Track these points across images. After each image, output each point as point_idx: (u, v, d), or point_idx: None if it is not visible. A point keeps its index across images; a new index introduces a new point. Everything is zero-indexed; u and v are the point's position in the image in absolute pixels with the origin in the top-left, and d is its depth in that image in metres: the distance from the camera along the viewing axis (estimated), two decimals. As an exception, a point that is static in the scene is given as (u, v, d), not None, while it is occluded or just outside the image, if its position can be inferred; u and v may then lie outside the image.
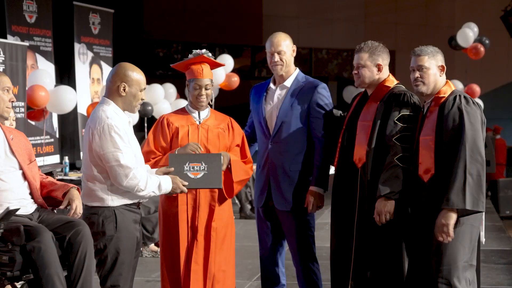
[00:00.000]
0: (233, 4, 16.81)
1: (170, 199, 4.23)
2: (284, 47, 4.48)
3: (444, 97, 4.03)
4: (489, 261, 6.82)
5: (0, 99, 3.81)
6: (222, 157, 4.16)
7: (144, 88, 3.93)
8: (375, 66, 4.35)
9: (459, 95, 3.99)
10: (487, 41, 12.17)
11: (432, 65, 4.07)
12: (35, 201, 3.93)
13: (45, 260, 3.55)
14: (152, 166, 4.15)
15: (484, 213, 4.23)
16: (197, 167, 4.08)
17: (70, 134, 10.07)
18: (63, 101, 7.99)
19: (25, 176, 3.89)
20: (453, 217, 3.83)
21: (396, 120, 4.20)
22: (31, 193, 3.91)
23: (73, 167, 9.11)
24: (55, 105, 7.99)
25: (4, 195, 3.78)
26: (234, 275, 4.39)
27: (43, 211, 3.92)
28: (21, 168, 3.88)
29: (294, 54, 4.56)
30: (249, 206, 9.26)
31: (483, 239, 3.92)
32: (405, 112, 4.21)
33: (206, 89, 4.26)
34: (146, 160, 4.16)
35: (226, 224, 4.31)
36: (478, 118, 3.93)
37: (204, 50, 4.32)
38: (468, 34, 11.98)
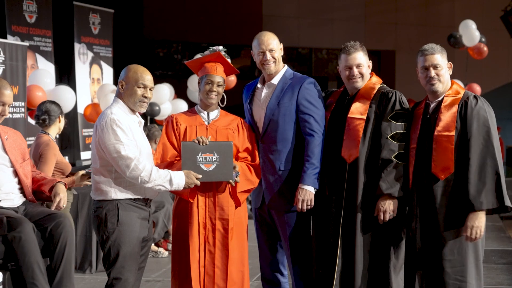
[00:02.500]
0: (233, 4, 16.81)
1: (183, 201, 4.20)
2: (274, 44, 4.43)
3: (458, 96, 4.01)
4: (489, 261, 6.83)
5: None
6: (232, 145, 4.15)
7: (145, 86, 3.97)
8: (367, 65, 4.37)
9: (475, 95, 4.02)
10: (483, 39, 12.16)
11: (444, 63, 4.06)
12: (26, 197, 4.06)
13: (25, 249, 3.68)
14: (166, 166, 4.14)
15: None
16: (209, 157, 4.08)
17: (70, 134, 10.07)
18: (61, 101, 7.95)
19: (16, 173, 4.03)
20: (484, 218, 3.88)
21: (390, 118, 4.21)
22: (21, 189, 4.04)
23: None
24: (54, 105, 7.98)
25: None
26: (248, 276, 4.34)
27: (29, 205, 4.03)
28: (12, 166, 4.02)
29: (282, 52, 4.51)
30: (249, 206, 9.26)
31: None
32: (399, 110, 4.22)
33: (218, 85, 4.24)
34: (164, 154, 4.19)
35: (241, 225, 4.29)
36: (495, 120, 4.01)
37: (221, 47, 4.29)
38: (474, 33, 11.95)
